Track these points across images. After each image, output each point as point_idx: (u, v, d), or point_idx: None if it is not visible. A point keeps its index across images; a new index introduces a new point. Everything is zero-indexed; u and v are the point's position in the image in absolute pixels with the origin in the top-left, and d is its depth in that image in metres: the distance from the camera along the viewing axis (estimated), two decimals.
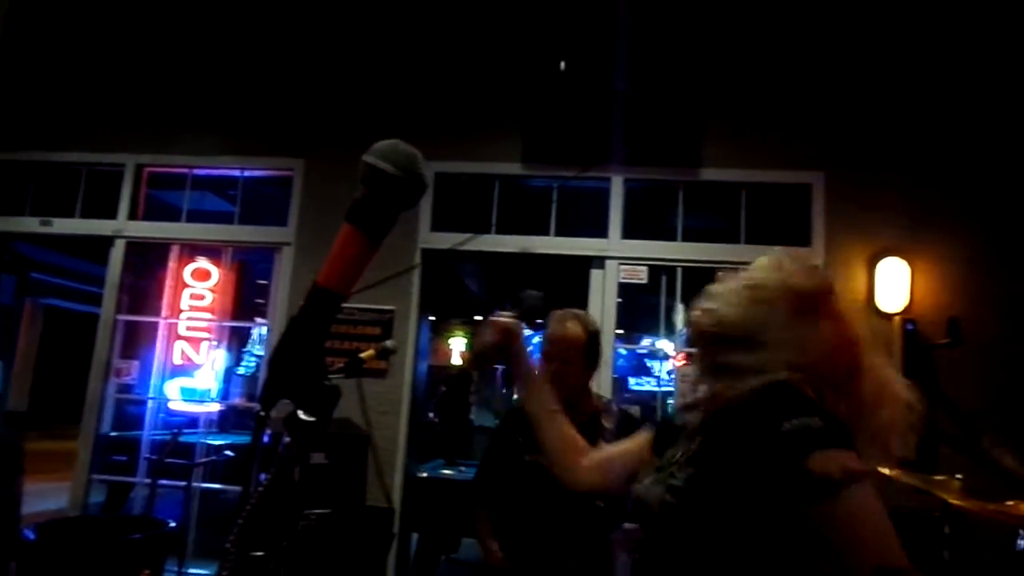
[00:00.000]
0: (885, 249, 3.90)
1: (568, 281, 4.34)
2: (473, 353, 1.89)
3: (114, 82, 4.72)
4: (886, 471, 2.68)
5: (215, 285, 4.79)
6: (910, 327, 3.76)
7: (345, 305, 3.60)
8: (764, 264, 1.32)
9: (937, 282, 3.87)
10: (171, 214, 4.69)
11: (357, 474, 3.93)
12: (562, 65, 3.89)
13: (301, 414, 0.95)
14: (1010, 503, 2.14)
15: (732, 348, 1.21)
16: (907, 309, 3.82)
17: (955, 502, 2.37)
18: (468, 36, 4.42)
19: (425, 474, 4.76)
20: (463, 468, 5.11)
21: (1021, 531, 2.20)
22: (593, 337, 2.39)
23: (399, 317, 4.23)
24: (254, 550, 1.09)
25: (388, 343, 2.93)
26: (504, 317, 1.59)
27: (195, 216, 4.66)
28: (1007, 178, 3.89)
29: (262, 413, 0.96)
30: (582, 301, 4.26)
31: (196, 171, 4.66)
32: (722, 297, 1.30)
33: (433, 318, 5.06)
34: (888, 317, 3.84)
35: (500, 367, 11.28)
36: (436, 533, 4.51)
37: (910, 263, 3.85)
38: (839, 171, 4.05)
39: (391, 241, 4.08)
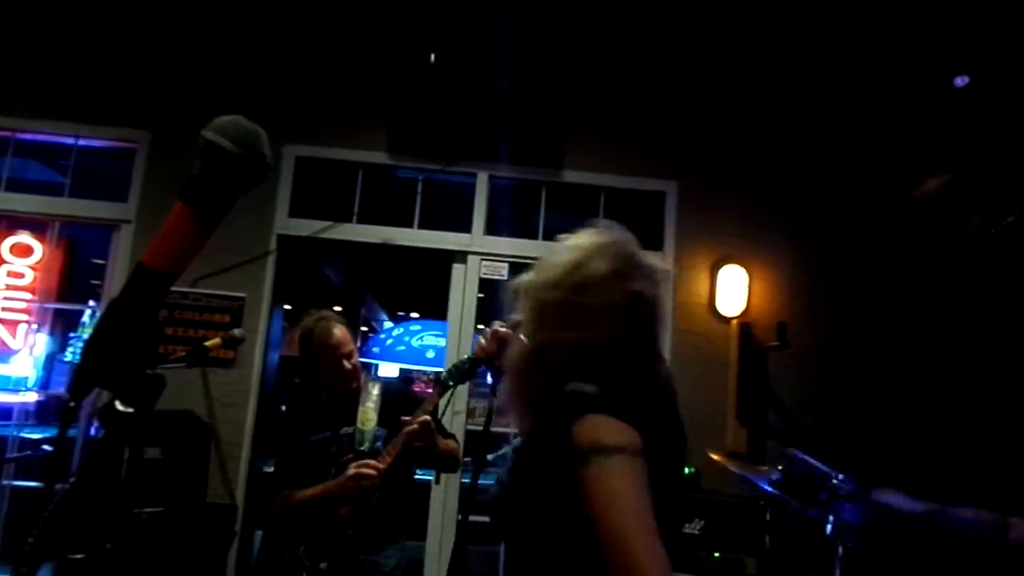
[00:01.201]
0: (726, 256, 4.19)
1: (430, 274, 4.32)
2: (471, 358, 2.25)
3: None
4: (719, 460, 2.89)
5: (38, 262, 4.31)
6: (745, 330, 4.06)
7: (191, 290, 3.41)
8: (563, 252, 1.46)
9: (770, 289, 4.20)
10: None
11: (198, 469, 3.70)
12: (432, 57, 3.86)
13: (119, 405, 0.87)
14: (822, 492, 2.36)
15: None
16: (744, 313, 4.12)
17: (776, 492, 2.58)
18: (338, 20, 4.27)
19: (272, 469, 4.56)
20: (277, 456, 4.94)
21: (830, 518, 2.43)
22: (350, 330, 2.81)
23: (251, 305, 4.03)
24: (71, 552, 1.00)
25: (236, 332, 2.79)
26: (502, 328, 1.76)
27: (17, 185, 4.19)
28: (830, 196, 4.28)
29: (72, 404, 0.87)
30: (444, 294, 4.26)
31: (19, 135, 4.18)
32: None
33: (289, 307, 4.86)
34: (727, 321, 4.12)
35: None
36: (281, 531, 4.34)
37: (748, 270, 4.16)
38: (690, 181, 4.30)
39: (245, 225, 3.90)
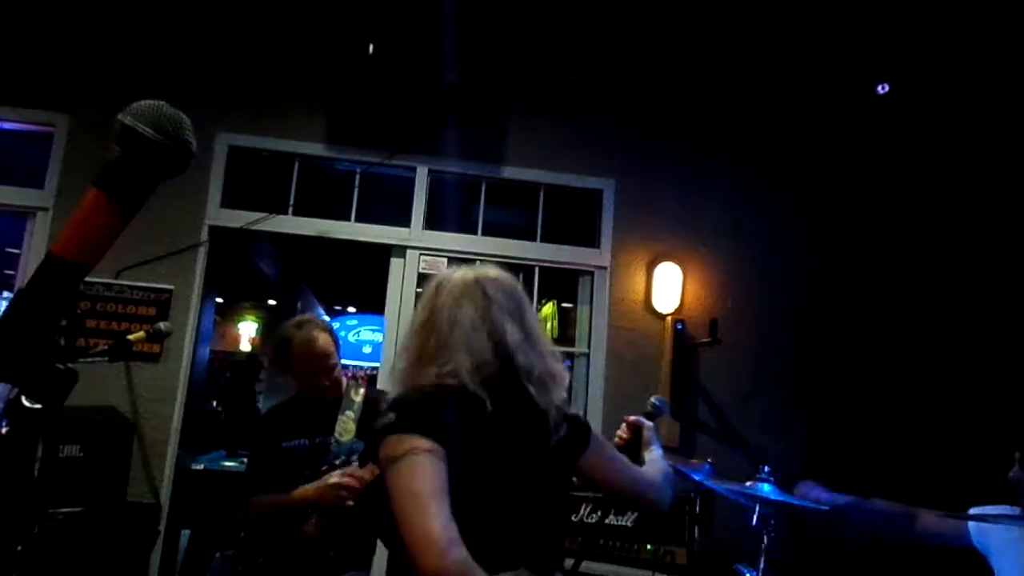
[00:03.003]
0: (662, 254, 4.27)
1: (367, 268, 4.26)
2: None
3: None
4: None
5: None
6: (679, 327, 4.15)
7: (115, 282, 3.27)
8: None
9: (703, 286, 4.31)
10: None
11: (119, 467, 3.56)
12: (370, 48, 3.79)
13: (25, 400, 0.83)
14: (748, 483, 2.43)
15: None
16: (678, 310, 4.21)
17: (704, 483, 2.64)
18: (275, 7, 4.15)
19: (202, 466, 4.44)
20: (246, 459, 4.83)
21: (757, 507, 2.50)
22: (336, 338, 2.57)
23: (179, 297, 3.89)
24: None
25: (162, 325, 2.69)
26: (633, 418, 2.03)
27: None
28: (763, 197, 4.42)
29: None
30: (381, 288, 4.21)
31: None
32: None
33: (221, 300, 4.72)
34: (662, 317, 4.21)
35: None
36: (211, 528, 4.23)
37: (682, 268, 4.25)
38: (627, 179, 4.36)
39: (174, 215, 3.77)
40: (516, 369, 1.50)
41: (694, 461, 3.15)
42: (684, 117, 4.45)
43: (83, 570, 3.03)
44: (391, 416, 1.36)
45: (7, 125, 3.99)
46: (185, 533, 4.24)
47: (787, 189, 4.45)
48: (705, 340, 4.06)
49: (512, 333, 1.52)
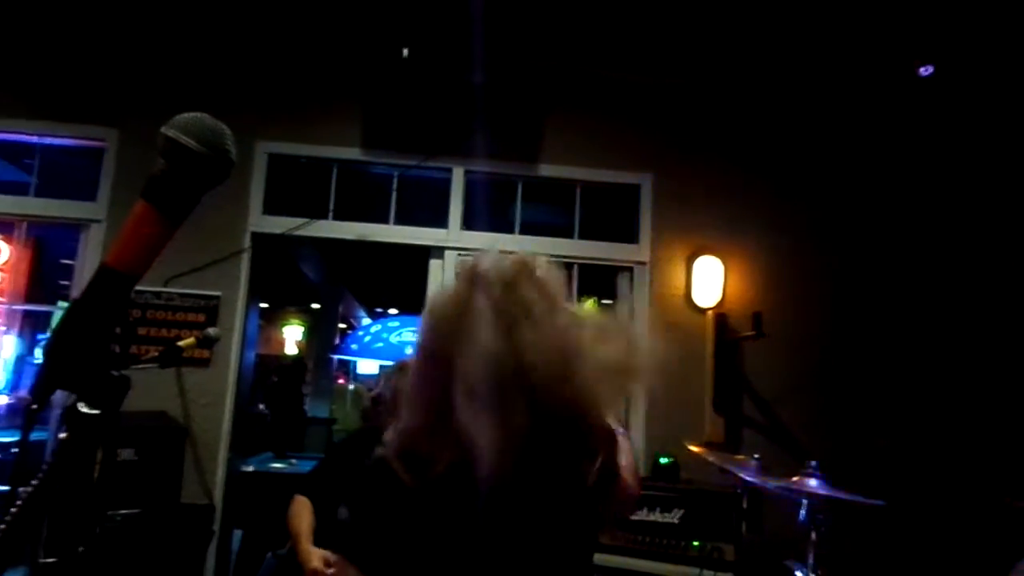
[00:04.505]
0: (702, 248, 4.22)
1: (407, 269, 4.30)
2: None
3: None
4: (696, 451, 2.92)
5: (5, 263, 4.26)
6: (721, 321, 4.10)
7: (164, 290, 3.36)
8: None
9: (745, 279, 4.24)
10: None
11: (173, 470, 3.67)
12: (405, 52, 3.83)
13: (82, 407, 0.86)
14: (795, 479, 2.39)
15: None
16: (720, 304, 4.16)
17: (752, 480, 2.60)
18: (310, 17, 4.22)
19: (251, 468, 4.54)
20: (294, 461, 4.92)
21: (805, 503, 2.46)
22: None
23: (226, 303, 3.98)
24: (43, 556, 0.99)
25: (211, 331, 2.78)
26: None
27: None
28: (810, 185, 4.34)
29: (34, 406, 0.86)
30: (421, 289, 4.24)
31: None
32: None
33: (265, 305, 4.82)
34: (703, 312, 4.15)
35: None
36: (262, 529, 4.32)
37: (724, 261, 4.19)
38: (666, 173, 4.32)
39: (218, 223, 3.86)
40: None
41: (740, 456, 3.10)
42: (721, 109, 4.39)
43: (142, 569, 3.13)
44: (343, 513, 1.20)
45: (61, 141, 4.14)
46: (237, 533, 4.33)
47: (831, 178, 4.36)
48: (748, 333, 4.00)
49: None
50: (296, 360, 10.34)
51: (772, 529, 3.36)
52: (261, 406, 8.65)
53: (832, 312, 4.24)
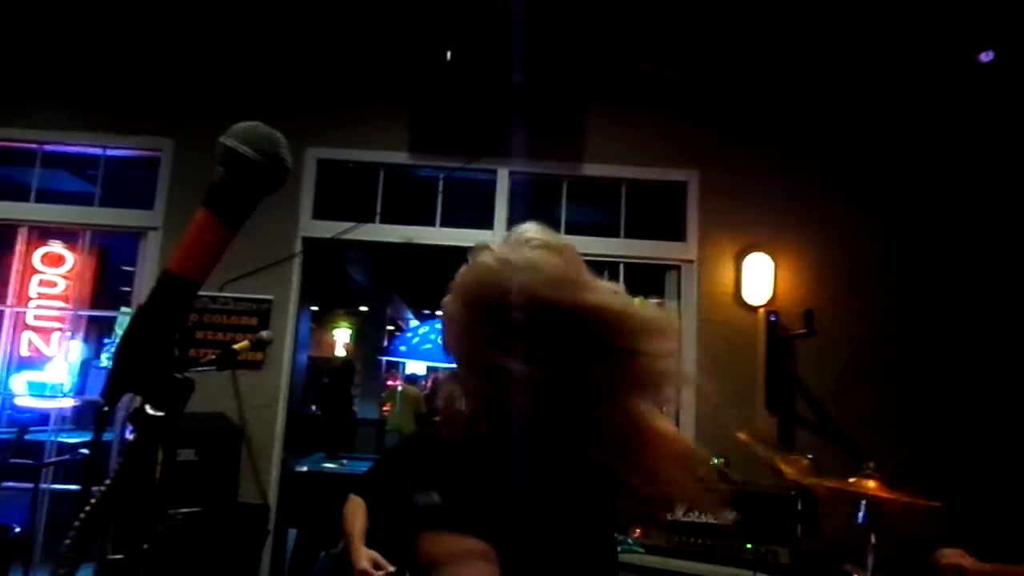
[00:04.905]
0: (751, 245, 4.15)
1: (453, 271, 4.31)
2: None
3: None
4: (746, 439, 2.87)
5: (70, 271, 4.42)
6: (772, 319, 4.02)
7: (219, 295, 3.46)
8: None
9: (797, 276, 4.15)
10: (18, 193, 4.27)
11: (230, 470, 3.77)
12: (448, 55, 3.86)
13: (149, 408, 0.89)
14: (852, 480, 2.33)
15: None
16: (770, 302, 4.08)
17: (805, 480, 2.55)
18: (355, 24, 4.29)
19: (305, 468, 4.63)
20: (345, 461, 5.00)
21: (862, 504, 2.40)
22: None
23: (278, 307, 4.07)
24: (110, 553, 1.03)
25: (264, 334, 2.83)
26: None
27: (47, 196, 4.28)
28: (861, 181, 4.22)
29: (106, 408, 0.89)
30: None
31: (47, 147, 4.27)
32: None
33: (316, 308, 4.91)
34: (753, 310, 4.08)
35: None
36: (316, 528, 4.40)
37: (773, 258, 4.11)
38: (713, 170, 4.26)
39: (270, 229, 3.94)
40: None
41: (793, 457, 3.03)
42: (768, 103, 4.31)
43: (202, 566, 3.22)
44: (434, 498, 1.05)
45: (120, 152, 4.29)
46: (292, 532, 4.43)
47: (884, 172, 4.23)
48: (800, 331, 3.92)
49: None
50: (345, 362, 10.53)
51: (828, 532, 3.28)
52: (313, 407, 8.82)
53: (887, 308, 4.11)
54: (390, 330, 12.59)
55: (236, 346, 2.53)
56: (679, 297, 4.22)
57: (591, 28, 4.13)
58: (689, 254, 4.21)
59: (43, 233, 4.39)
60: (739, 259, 4.15)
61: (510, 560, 0.97)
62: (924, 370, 4.04)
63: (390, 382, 12.31)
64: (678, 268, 4.25)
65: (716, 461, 3.59)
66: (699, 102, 4.32)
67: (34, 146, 4.24)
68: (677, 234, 4.27)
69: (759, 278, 4.10)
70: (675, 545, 3.19)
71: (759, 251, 4.12)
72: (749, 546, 3.10)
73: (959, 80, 4.08)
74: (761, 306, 4.08)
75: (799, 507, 3.01)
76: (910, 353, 4.07)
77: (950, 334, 4.08)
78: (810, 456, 2.72)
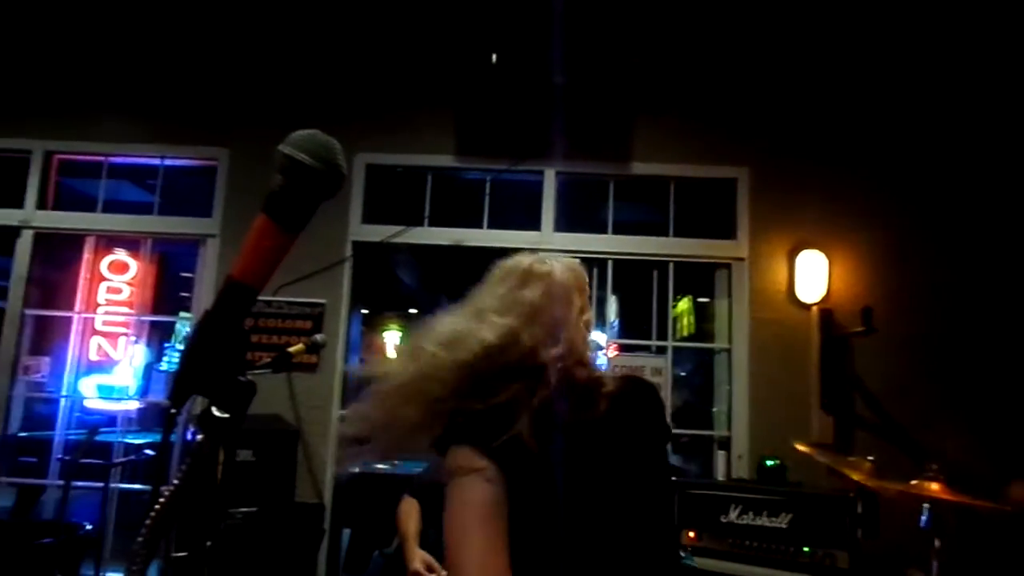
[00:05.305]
0: (804, 241, 4.06)
1: None
2: None
3: (19, 63, 4.45)
4: (806, 451, 2.81)
5: (134, 278, 4.60)
6: (827, 317, 3.93)
7: (274, 299, 3.54)
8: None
9: (852, 273, 4.05)
10: (85, 204, 4.46)
11: (286, 470, 3.86)
12: (494, 58, 3.88)
13: (215, 411, 0.92)
14: (914, 482, 2.26)
15: None
16: (825, 299, 3.98)
17: (867, 482, 2.48)
18: (400, 29, 4.36)
19: (357, 469, 4.70)
20: (396, 462, 5.06)
21: (925, 507, 2.32)
22: None
23: (330, 310, 4.15)
24: (175, 551, 1.06)
25: (318, 337, 2.89)
26: None
27: (112, 206, 4.45)
28: (917, 175, 4.09)
29: (173, 411, 0.93)
30: None
31: (112, 159, 4.44)
32: None
33: (366, 311, 4.99)
34: (807, 307, 4.00)
35: None
36: (369, 528, 4.46)
37: (828, 255, 4.01)
38: (763, 166, 4.18)
39: (321, 233, 4.03)
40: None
41: (852, 458, 2.95)
42: (820, 96, 4.21)
43: (262, 564, 3.30)
44: (458, 419, 1.20)
45: (178, 162, 4.45)
46: (346, 532, 4.50)
47: (944, 164, 4.09)
48: (857, 329, 3.82)
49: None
50: None
51: (890, 535, 3.19)
52: None
53: (947, 305, 3.97)
54: None
55: (291, 349, 2.58)
56: (730, 295, 4.16)
57: (639, 27, 4.10)
58: (740, 252, 4.14)
59: (109, 242, 4.57)
60: (791, 256, 4.06)
61: (518, 483, 1.12)
62: (988, 369, 3.89)
63: None
64: (728, 266, 4.19)
65: (771, 463, 3.53)
66: (749, 97, 4.24)
67: (100, 158, 4.42)
68: (727, 232, 4.21)
69: (812, 275, 4.01)
70: (728, 548, 3.14)
71: (813, 248, 4.03)
72: (806, 549, 3.04)
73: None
74: (815, 304, 3.98)
75: (859, 510, 2.93)
76: (973, 351, 3.92)
77: (1015, 331, 3.91)
78: (871, 458, 2.64)
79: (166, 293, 5.19)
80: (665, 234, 4.24)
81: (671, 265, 4.18)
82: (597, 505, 1.19)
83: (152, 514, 0.89)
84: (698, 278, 4.49)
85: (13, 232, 4.31)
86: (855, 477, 2.54)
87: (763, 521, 3.13)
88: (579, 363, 1.29)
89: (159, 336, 5.42)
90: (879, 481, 2.43)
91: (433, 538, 2.59)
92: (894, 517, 3.08)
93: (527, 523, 1.13)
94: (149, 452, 4.01)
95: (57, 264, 4.59)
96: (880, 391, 3.93)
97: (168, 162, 4.42)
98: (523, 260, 1.39)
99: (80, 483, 3.73)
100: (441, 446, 1.20)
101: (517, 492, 1.13)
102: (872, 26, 4.08)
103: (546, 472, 1.14)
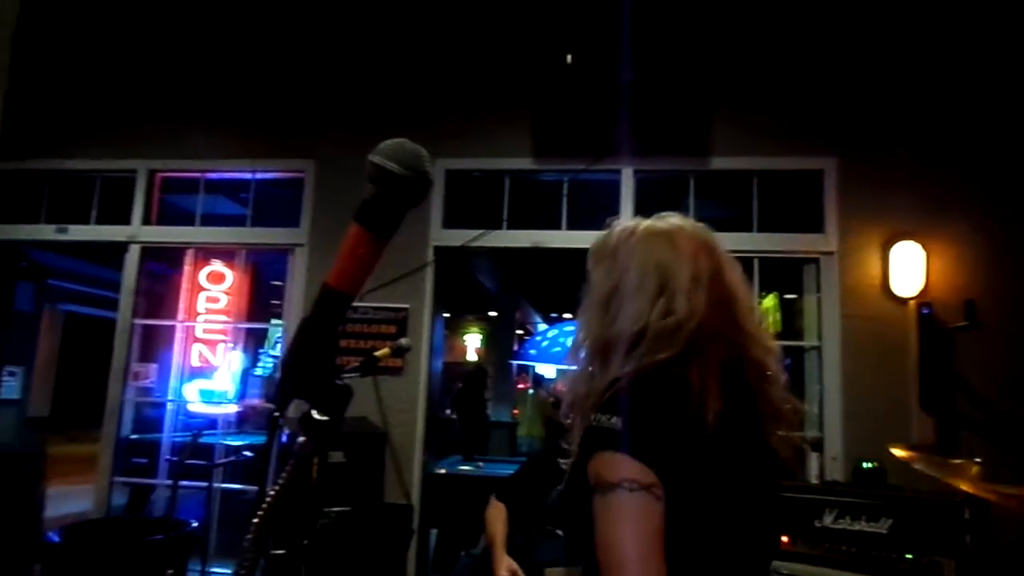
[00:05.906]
0: (899, 233, 3.86)
1: (581, 274, 4.32)
2: None
3: (124, 88, 4.76)
4: (903, 456, 2.68)
5: (230, 287, 4.83)
6: (926, 311, 3.73)
7: (360, 304, 3.66)
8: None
9: (953, 265, 3.83)
10: (185, 218, 4.73)
11: (375, 472, 3.96)
12: (568, 58, 3.88)
13: (315, 414, 0.96)
14: None
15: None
16: (923, 293, 3.79)
17: (975, 488, 2.35)
18: (474, 34, 4.42)
19: (443, 470, 4.77)
20: (481, 464, 5.12)
21: None
22: None
23: (413, 315, 4.24)
24: (273, 548, 1.11)
25: (403, 341, 2.96)
26: None
27: (208, 220, 4.69)
28: (1015, 161, 3.83)
29: (276, 414, 0.97)
30: None
31: (208, 175, 4.69)
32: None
33: (447, 315, 5.07)
34: (903, 302, 3.81)
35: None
36: (455, 529, 4.53)
37: (925, 246, 3.81)
38: (852, 156, 4.02)
39: (404, 240, 4.11)
40: (748, 361, 1.18)
41: (957, 461, 2.79)
42: (909, 80, 4.00)
43: (354, 562, 3.41)
44: (614, 421, 1.05)
45: (267, 175, 4.65)
46: (433, 532, 4.58)
47: None
48: (961, 324, 3.61)
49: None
50: (478, 367, 10.77)
51: (1000, 543, 2.99)
52: (448, 411, 9.09)
53: None
54: (519, 334, 12.75)
55: (377, 353, 2.65)
56: (819, 291, 4.01)
57: (713, 19, 4.01)
58: (829, 246, 3.99)
59: (206, 253, 4.83)
60: (885, 249, 3.87)
61: (678, 497, 1.01)
62: None
63: (520, 385, 12.48)
64: (816, 261, 4.03)
65: (868, 465, 3.38)
66: (831, 87, 4.08)
67: (197, 175, 4.68)
68: (815, 225, 4.06)
69: (909, 268, 3.81)
70: (823, 553, 3.02)
71: (909, 239, 3.83)
72: (909, 556, 2.89)
73: None
74: (912, 298, 3.79)
75: (967, 516, 2.77)
76: None
77: None
78: (978, 460, 2.49)
79: (259, 301, 5.43)
80: (748, 229, 4.13)
81: (756, 261, 4.06)
82: (749, 516, 1.11)
83: (260, 513, 0.94)
84: (784, 274, 4.34)
85: (122, 247, 4.61)
86: (960, 482, 2.40)
87: (861, 526, 3.00)
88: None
89: (254, 342, 5.67)
90: (989, 485, 2.29)
91: (520, 542, 2.60)
92: (1005, 524, 2.90)
93: (684, 539, 1.02)
94: (248, 453, 4.20)
95: (161, 276, 4.88)
96: (988, 390, 3.70)
97: (259, 176, 4.63)
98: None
99: (186, 483, 3.95)
100: (596, 444, 1.06)
101: (677, 508, 1.01)
102: (963, 8, 3.85)
103: (710, 485, 1.05)
